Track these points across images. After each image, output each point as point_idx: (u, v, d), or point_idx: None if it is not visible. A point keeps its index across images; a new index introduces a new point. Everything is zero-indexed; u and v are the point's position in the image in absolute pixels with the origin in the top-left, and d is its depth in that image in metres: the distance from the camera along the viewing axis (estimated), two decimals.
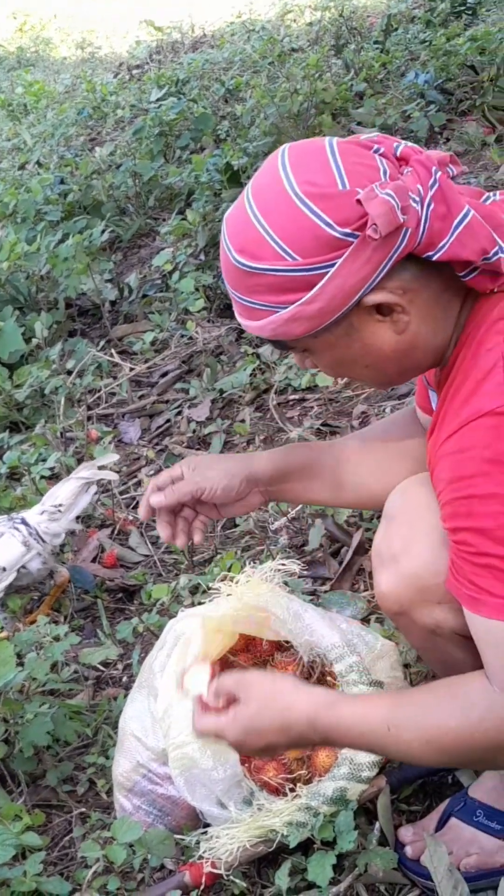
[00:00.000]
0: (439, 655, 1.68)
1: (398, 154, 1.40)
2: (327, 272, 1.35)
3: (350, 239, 1.34)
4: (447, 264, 1.39)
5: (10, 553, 2.56)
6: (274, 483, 1.82)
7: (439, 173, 1.38)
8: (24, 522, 2.61)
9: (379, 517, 1.77)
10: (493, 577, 1.36)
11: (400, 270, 1.37)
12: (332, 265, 1.35)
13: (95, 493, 2.78)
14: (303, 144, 1.43)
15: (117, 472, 3.16)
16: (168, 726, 1.89)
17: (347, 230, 1.34)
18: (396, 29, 6.73)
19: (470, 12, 6.65)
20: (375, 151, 1.40)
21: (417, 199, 1.35)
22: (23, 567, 2.57)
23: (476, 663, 1.44)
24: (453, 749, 1.42)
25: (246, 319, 1.46)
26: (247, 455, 1.86)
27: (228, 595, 2.08)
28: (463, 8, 6.66)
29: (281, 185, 1.37)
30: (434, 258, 1.37)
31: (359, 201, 1.33)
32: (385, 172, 1.37)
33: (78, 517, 2.72)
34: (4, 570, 2.54)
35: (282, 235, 1.36)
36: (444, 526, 1.42)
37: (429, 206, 1.36)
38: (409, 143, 1.43)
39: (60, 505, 2.64)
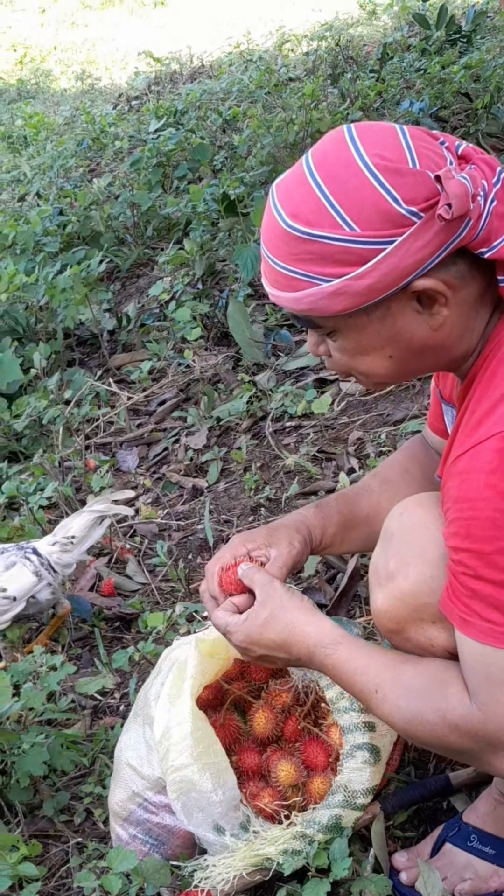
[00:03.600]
0: None
1: (459, 153, 1.40)
2: (384, 249, 1.32)
3: (413, 218, 1.32)
4: (490, 269, 1.39)
5: (22, 583, 2.56)
6: (323, 546, 1.88)
7: None
8: (35, 552, 2.62)
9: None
10: (484, 600, 1.36)
11: (449, 263, 1.36)
12: (391, 242, 1.32)
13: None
14: (369, 123, 1.40)
15: (131, 506, 3.18)
16: (166, 749, 1.89)
17: (413, 209, 1.32)
18: (392, 57, 6.80)
19: (465, 40, 6.71)
20: (441, 143, 1.40)
21: (482, 193, 1.34)
22: (32, 597, 2.58)
23: None
24: (425, 738, 1.51)
25: (280, 290, 1.42)
26: (298, 522, 1.85)
27: None
28: (458, 36, 6.72)
29: (349, 154, 1.35)
30: (486, 255, 1.36)
31: (438, 178, 1.31)
32: (451, 162, 1.36)
33: (89, 549, 2.73)
34: (15, 599, 2.55)
35: (344, 204, 1.33)
36: (446, 544, 1.42)
37: (491, 202, 1.35)
38: (470, 144, 1.42)
39: (73, 537, 2.65)
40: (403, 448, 1.97)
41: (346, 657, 1.59)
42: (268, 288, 1.45)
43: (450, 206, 1.30)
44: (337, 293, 1.36)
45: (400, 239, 1.32)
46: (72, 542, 2.65)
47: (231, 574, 1.75)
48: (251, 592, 1.72)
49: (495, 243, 1.36)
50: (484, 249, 1.36)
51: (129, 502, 3.28)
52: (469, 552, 1.36)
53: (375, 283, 1.34)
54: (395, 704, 1.51)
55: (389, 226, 1.32)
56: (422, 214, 1.32)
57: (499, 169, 1.39)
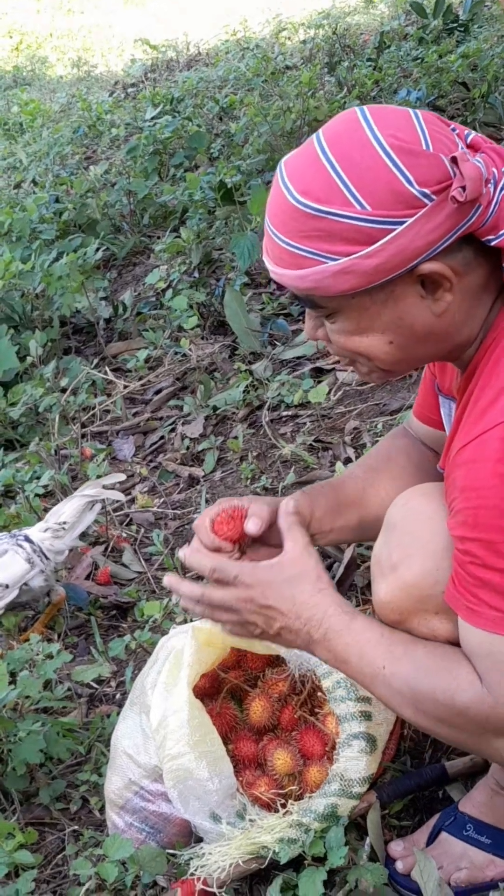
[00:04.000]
0: None
1: (468, 141, 1.39)
2: (394, 229, 1.32)
3: (425, 200, 1.31)
4: (495, 257, 1.39)
5: (14, 570, 2.56)
6: (311, 532, 1.82)
7: None
8: (27, 539, 2.61)
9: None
10: (493, 589, 1.36)
11: (456, 249, 1.36)
12: (402, 223, 1.32)
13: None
14: (381, 106, 1.40)
15: (126, 494, 3.17)
16: (163, 738, 1.89)
17: (426, 190, 1.31)
18: (389, 46, 6.77)
19: (462, 29, 6.69)
20: (452, 130, 1.39)
21: (493, 180, 1.35)
22: (25, 584, 2.57)
23: None
24: (430, 719, 1.49)
25: (284, 268, 1.40)
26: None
27: None
28: (455, 25, 6.70)
29: (363, 134, 1.34)
30: (493, 243, 1.36)
31: (454, 159, 1.31)
32: (462, 148, 1.36)
33: (81, 535, 2.73)
34: (7, 587, 2.54)
35: (356, 182, 1.32)
36: (452, 534, 1.42)
37: (501, 189, 1.35)
38: (478, 133, 1.42)
39: (65, 523, 2.65)
40: (386, 438, 1.96)
41: (361, 627, 1.57)
42: (270, 265, 1.44)
43: (464, 188, 1.29)
44: (343, 272, 1.35)
45: (411, 220, 1.32)
46: (63, 528, 2.64)
47: (233, 516, 1.71)
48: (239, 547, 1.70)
49: (503, 231, 1.35)
50: (491, 237, 1.36)
51: (121, 487, 3.28)
52: (477, 541, 1.36)
53: (383, 264, 1.34)
54: (405, 682, 1.50)
55: (401, 206, 1.32)
56: (434, 197, 1.32)
57: None
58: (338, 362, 3.58)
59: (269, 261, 1.44)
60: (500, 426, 1.33)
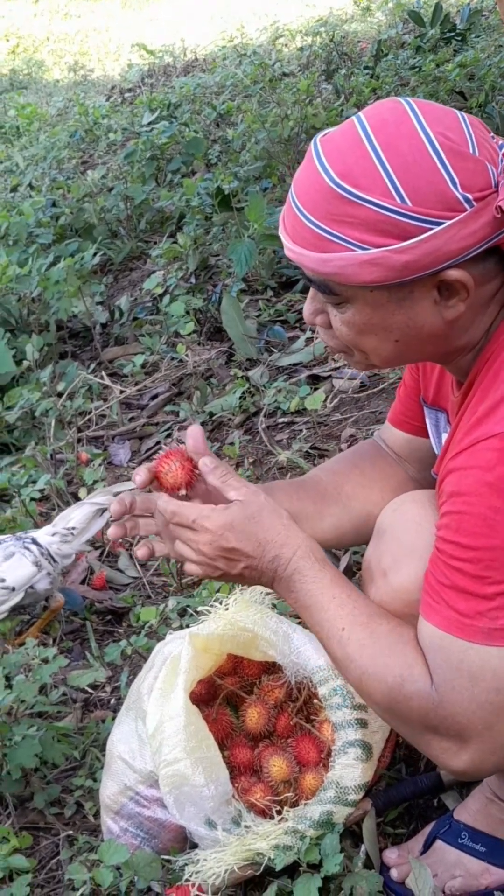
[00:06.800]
0: None
1: (502, 152, 1.38)
2: (431, 229, 1.30)
3: (466, 205, 1.30)
4: None
5: (22, 573, 2.55)
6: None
7: None
8: (34, 542, 2.61)
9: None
10: (457, 590, 1.36)
11: (480, 260, 1.35)
12: (439, 224, 1.30)
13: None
14: (426, 101, 1.37)
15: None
16: (159, 744, 1.89)
17: (468, 195, 1.30)
18: (387, 54, 6.79)
19: (459, 38, 6.72)
20: (492, 138, 1.38)
21: None
22: (31, 587, 2.58)
23: None
24: (375, 696, 1.47)
25: (306, 248, 1.37)
26: None
27: (217, 616, 2.09)
28: (452, 34, 6.73)
29: (411, 127, 1.32)
30: None
31: None
32: (502, 159, 1.35)
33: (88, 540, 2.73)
34: (14, 589, 2.54)
35: (400, 175, 1.30)
36: (436, 533, 1.42)
37: None
38: None
39: (73, 528, 2.65)
40: (351, 449, 1.95)
41: (330, 579, 1.55)
42: (288, 242, 1.40)
43: None
44: (371, 263, 1.33)
45: (449, 223, 1.30)
46: (72, 534, 2.65)
47: (169, 456, 1.66)
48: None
49: None
50: None
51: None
52: (455, 544, 1.36)
53: (413, 262, 1.32)
54: (359, 651, 1.48)
55: (441, 207, 1.30)
56: (474, 203, 1.30)
57: None
58: (335, 369, 3.59)
59: (288, 238, 1.40)
60: (495, 438, 1.33)
